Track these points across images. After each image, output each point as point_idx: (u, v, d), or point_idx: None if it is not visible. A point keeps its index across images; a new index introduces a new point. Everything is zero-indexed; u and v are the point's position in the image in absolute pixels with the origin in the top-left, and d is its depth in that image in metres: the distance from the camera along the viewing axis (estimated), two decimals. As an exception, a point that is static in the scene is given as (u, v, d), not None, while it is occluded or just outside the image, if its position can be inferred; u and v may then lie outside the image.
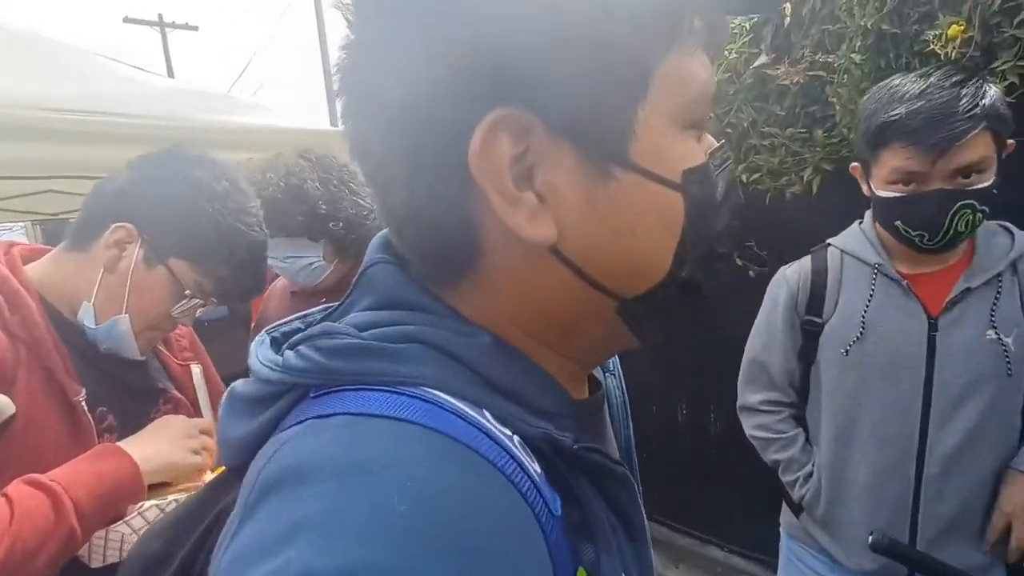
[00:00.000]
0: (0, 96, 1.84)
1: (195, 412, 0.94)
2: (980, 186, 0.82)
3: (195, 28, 13.29)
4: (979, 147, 0.81)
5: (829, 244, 1.03)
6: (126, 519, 0.69)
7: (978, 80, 0.83)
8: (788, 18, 1.34)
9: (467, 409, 0.28)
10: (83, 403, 0.75)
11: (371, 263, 0.36)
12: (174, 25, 12.87)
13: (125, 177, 0.83)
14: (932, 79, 0.84)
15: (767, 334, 1.07)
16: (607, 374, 0.45)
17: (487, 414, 0.29)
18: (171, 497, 0.72)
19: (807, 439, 1.05)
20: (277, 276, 1.35)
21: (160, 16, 12.68)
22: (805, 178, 1.40)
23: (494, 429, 0.28)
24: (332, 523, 0.22)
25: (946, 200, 0.82)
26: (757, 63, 1.40)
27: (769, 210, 1.52)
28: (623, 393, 0.46)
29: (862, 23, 1.25)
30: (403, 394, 0.28)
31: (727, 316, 1.09)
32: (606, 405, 0.43)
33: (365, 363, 0.29)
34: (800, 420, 1.07)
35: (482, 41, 0.28)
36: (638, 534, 0.36)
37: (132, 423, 0.81)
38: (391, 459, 0.24)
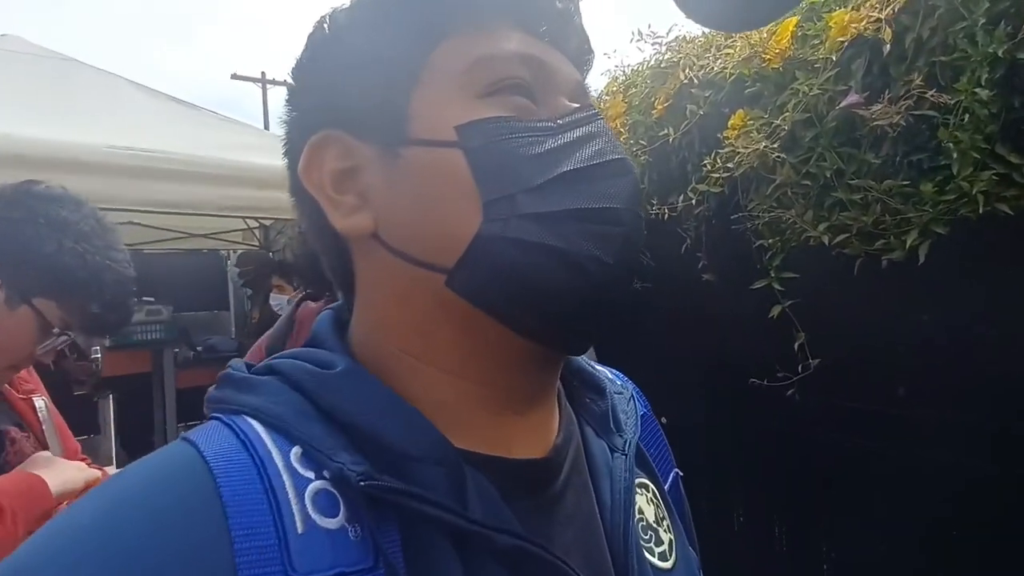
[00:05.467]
0: (89, 138, 2.03)
1: (42, 446, 0.93)
2: None
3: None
4: None
5: None
6: None
7: None
8: (888, 46, 1.08)
9: (263, 436, 0.32)
10: None
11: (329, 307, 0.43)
12: (274, 82, 14.08)
13: None
14: None
15: None
16: (615, 454, 0.42)
17: (295, 448, 0.31)
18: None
19: None
20: None
21: (263, 74, 13.95)
22: (908, 243, 1.10)
23: (270, 454, 0.31)
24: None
25: None
26: (844, 102, 1.14)
27: (858, 281, 1.22)
28: (628, 478, 0.40)
29: (990, 51, 0.98)
30: (222, 421, 0.33)
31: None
32: (578, 476, 0.39)
33: (223, 391, 0.36)
34: None
35: (310, 90, 0.39)
36: None
37: None
38: (126, 482, 0.31)
